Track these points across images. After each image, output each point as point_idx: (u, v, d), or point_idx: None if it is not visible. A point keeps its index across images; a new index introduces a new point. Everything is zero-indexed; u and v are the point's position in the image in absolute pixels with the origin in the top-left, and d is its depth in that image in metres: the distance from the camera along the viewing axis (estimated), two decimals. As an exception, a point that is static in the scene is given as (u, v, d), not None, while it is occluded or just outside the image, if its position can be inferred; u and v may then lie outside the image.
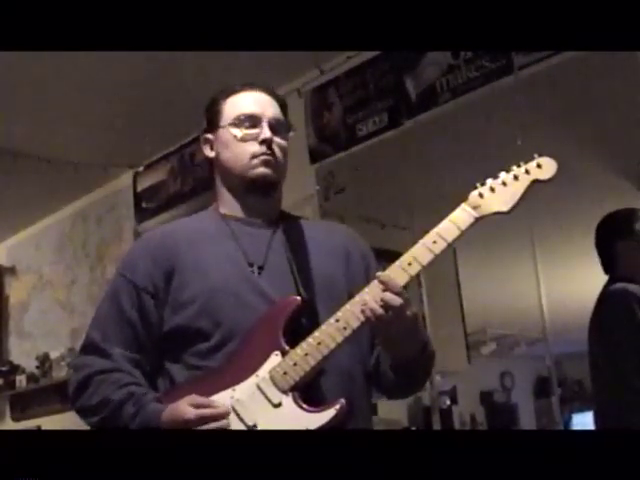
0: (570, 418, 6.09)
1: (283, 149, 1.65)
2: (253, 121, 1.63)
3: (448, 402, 4.12)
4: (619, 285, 2.57)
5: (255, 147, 1.61)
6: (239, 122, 1.63)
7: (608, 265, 2.69)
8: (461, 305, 3.90)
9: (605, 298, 2.60)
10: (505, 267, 4.17)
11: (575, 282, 4.16)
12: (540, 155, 1.49)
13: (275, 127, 1.64)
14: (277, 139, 1.63)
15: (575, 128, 3.19)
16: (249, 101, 1.65)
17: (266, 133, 1.61)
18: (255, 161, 1.61)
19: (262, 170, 1.61)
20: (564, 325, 3.39)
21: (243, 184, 1.63)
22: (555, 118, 3.18)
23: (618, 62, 2.74)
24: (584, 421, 5.90)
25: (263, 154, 1.61)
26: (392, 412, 3.83)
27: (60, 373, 5.03)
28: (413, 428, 3.90)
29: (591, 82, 3.02)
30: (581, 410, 6.09)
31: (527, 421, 5.56)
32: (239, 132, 1.63)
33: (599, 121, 3.12)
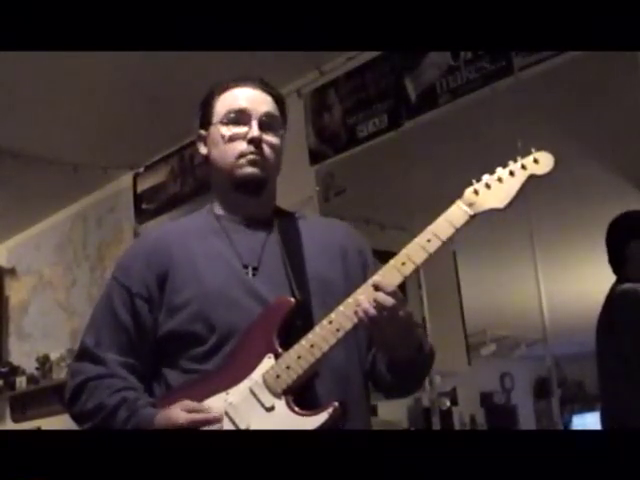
0: (570, 419, 6.09)
1: (273, 147, 1.61)
2: (243, 118, 1.60)
3: (448, 403, 4.11)
4: (629, 285, 2.56)
5: (243, 146, 1.59)
6: (228, 120, 1.61)
7: (618, 265, 2.66)
8: (461, 306, 3.90)
9: (615, 298, 2.58)
10: (505, 268, 4.17)
11: (575, 283, 4.17)
12: (537, 150, 1.44)
13: (266, 124, 1.61)
14: (267, 137, 1.60)
15: (575, 129, 3.18)
16: (240, 98, 1.63)
17: (254, 132, 1.58)
18: (242, 160, 1.59)
19: (249, 170, 1.58)
20: (564, 326, 3.40)
21: (232, 183, 1.61)
22: (555, 119, 3.18)
23: (618, 62, 2.74)
24: (584, 422, 5.91)
25: (250, 153, 1.58)
26: (392, 413, 3.84)
27: (60, 374, 5.02)
28: (413, 429, 3.90)
29: (591, 83, 3.02)
30: (581, 411, 6.10)
31: (527, 422, 5.55)
32: (227, 131, 1.60)
33: (599, 122, 3.12)
